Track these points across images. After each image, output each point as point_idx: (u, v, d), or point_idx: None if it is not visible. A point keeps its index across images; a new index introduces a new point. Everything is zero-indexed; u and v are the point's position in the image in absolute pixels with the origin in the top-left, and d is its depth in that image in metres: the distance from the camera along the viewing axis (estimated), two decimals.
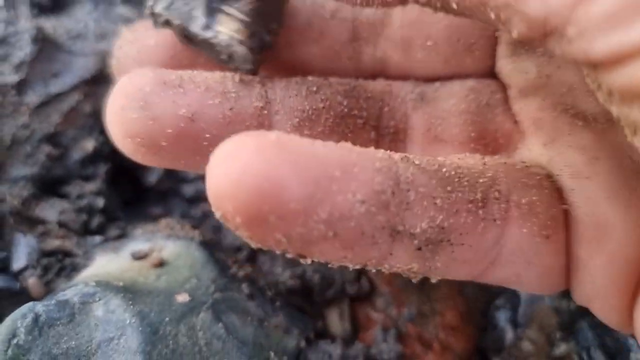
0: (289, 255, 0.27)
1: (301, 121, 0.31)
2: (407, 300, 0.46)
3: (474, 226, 0.28)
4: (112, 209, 0.48)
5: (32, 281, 0.43)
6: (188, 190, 0.52)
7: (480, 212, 0.28)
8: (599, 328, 0.50)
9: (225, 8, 0.32)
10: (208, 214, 0.51)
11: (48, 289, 0.44)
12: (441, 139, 0.34)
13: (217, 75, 0.32)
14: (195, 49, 0.35)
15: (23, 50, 0.46)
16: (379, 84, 0.36)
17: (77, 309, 0.36)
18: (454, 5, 0.24)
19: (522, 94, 0.34)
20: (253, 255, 0.46)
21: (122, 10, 0.53)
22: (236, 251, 0.46)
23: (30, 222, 0.46)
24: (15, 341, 0.34)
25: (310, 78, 0.35)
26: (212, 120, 0.28)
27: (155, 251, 0.42)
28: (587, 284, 0.30)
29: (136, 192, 0.53)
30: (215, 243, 0.46)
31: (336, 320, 0.45)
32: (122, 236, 0.46)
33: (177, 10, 0.33)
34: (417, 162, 0.28)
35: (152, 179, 0.51)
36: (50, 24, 0.49)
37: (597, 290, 0.30)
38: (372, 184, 0.25)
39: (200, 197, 0.51)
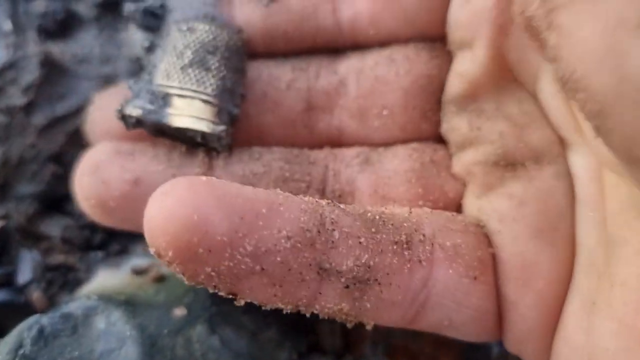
0: (221, 293, 0.28)
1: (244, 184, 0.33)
2: None
3: (400, 266, 0.29)
4: None
5: (36, 295, 0.46)
6: None
7: (406, 253, 0.29)
8: None
9: (188, 93, 0.35)
10: None
11: (51, 302, 0.46)
12: (389, 198, 0.35)
13: (166, 145, 0.36)
14: (170, 138, 0.37)
15: (31, 74, 0.49)
16: (323, 152, 0.38)
17: (80, 321, 0.38)
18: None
19: (458, 149, 0.35)
20: None
21: (125, 35, 0.55)
22: None
23: (35, 238, 0.49)
24: (21, 351, 0.36)
25: (254, 147, 0.37)
26: (155, 184, 0.28)
27: (155, 267, 0.45)
28: (518, 326, 0.31)
29: None
30: None
31: (327, 336, 0.47)
32: (122, 252, 0.49)
33: (146, 108, 0.35)
34: (342, 206, 0.30)
35: None
36: (57, 49, 0.51)
37: (529, 331, 0.31)
38: (297, 221, 0.27)
39: None
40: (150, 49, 0.41)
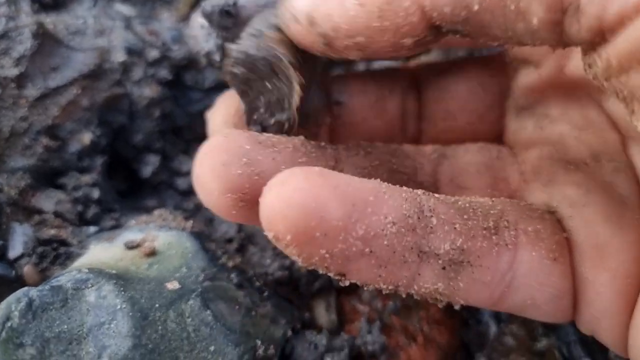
0: (330, 274, 0.29)
1: (363, 175, 0.34)
2: (392, 294, 0.46)
3: (490, 250, 0.31)
4: (108, 201, 0.49)
5: (27, 269, 0.44)
6: (182, 183, 0.52)
7: (494, 237, 0.32)
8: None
9: None
10: (200, 207, 0.52)
11: (43, 276, 0.44)
12: (463, 187, 0.39)
13: (297, 139, 0.35)
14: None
15: (23, 44, 0.47)
16: (411, 148, 0.42)
17: (70, 294, 0.36)
18: (476, 7, 0.26)
19: (524, 147, 0.39)
20: (243, 247, 0.47)
21: (121, 7, 0.53)
22: (227, 242, 0.47)
23: (27, 212, 0.47)
24: (9, 324, 0.34)
25: (362, 142, 0.40)
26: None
27: (148, 241, 0.43)
28: (594, 304, 0.33)
29: (131, 185, 0.53)
30: (206, 234, 0.46)
31: (322, 312, 0.46)
32: (116, 227, 0.47)
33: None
34: (437, 195, 0.32)
35: (147, 172, 0.51)
36: (51, 20, 0.49)
37: (604, 309, 0.32)
38: (400, 208, 0.29)
39: (193, 191, 0.51)
40: (221, 48, 0.42)
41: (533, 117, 0.38)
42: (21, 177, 0.47)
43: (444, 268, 0.30)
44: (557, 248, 0.33)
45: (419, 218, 0.30)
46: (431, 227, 0.30)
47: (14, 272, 0.45)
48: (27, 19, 0.49)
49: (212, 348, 0.36)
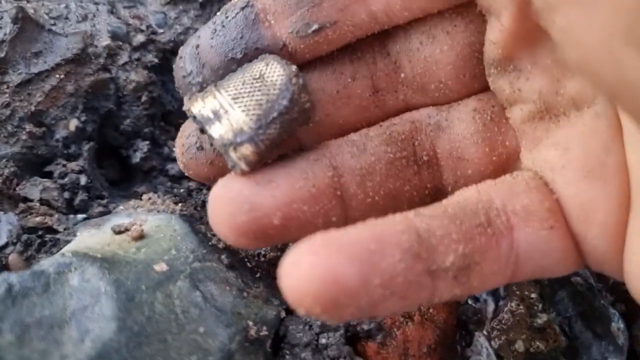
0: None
1: (362, 177, 0.35)
2: None
3: (489, 243, 0.32)
4: (96, 188, 0.46)
5: (12, 257, 0.41)
6: (172, 168, 0.50)
7: (489, 230, 0.32)
8: (579, 298, 0.48)
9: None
10: (192, 191, 0.49)
11: (28, 264, 0.42)
12: (463, 158, 0.38)
13: (289, 162, 0.36)
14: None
15: (2, 29, 0.44)
16: (405, 126, 0.39)
17: (52, 279, 0.34)
18: None
19: (506, 106, 0.37)
20: None
21: None
22: None
23: (12, 201, 0.44)
24: None
25: (353, 137, 0.37)
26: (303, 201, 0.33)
27: (136, 225, 0.40)
28: (592, 256, 0.33)
29: (121, 172, 0.51)
30: (197, 217, 0.44)
31: None
32: (104, 213, 0.45)
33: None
34: (426, 212, 0.32)
35: (136, 158, 0.49)
36: (31, 5, 0.47)
37: (602, 257, 0.33)
38: (401, 243, 0.30)
39: (184, 175, 0.49)
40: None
41: (506, 76, 0.36)
42: (5, 165, 0.44)
43: (455, 277, 0.31)
44: (550, 215, 0.33)
45: (419, 244, 0.30)
46: (432, 247, 0.31)
47: None
48: (6, 4, 0.46)
49: (201, 329, 0.34)
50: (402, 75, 0.38)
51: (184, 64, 0.36)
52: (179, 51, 0.37)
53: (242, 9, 0.36)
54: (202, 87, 0.35)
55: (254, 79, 0.34)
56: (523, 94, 0.35)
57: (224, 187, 0.33)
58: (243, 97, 0.33)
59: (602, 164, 0.32)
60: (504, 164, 0.38)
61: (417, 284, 0.30)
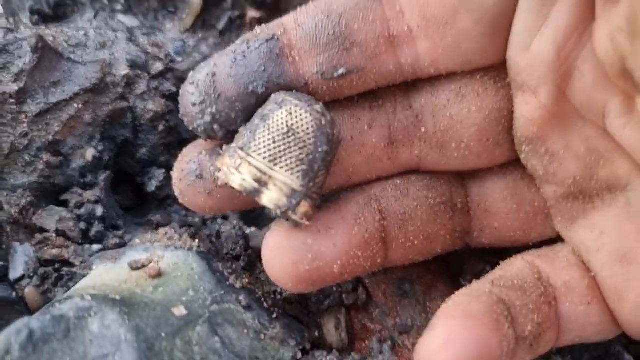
0: None
1: (404, 221, 0.37)
2: (403, 312, 0.43)
3: (550, 311, 0.34)
4: (112, 217, 0.46)
5: (28, 291, 0.41)
6: None
7: (550, 300, 0.34)
8: (594, 344, 0.48)
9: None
10: (207, 222, 0.49)
11: (45, 298, 0.41)
12: (491, 212, 0.38)
13: (342, 208, 0.36)
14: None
15: (23, 59, 0.43)
16: (443, 176, 0.39)
17: (72, 324, 0.33)
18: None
19: (540, 183, 0.37)
20: (251, 264, 0.44)
21: (123, 18, 0.50)
22: (234, 260, 0.44)
23: (29, 231, 0.44)
24: (8, 358, 0.31)
25: (397, 181, 0.38)
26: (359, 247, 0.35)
27: (153, 262, 0.40)
28: (628, 326, 0.35)
29: (136, 200, 0.50)
30: (213, 252, 0.43)
31: (332, 330, 0.43)
32: (120, 245, 0.44)
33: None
34: (500, 282, 0.34)
35: (152, 186, 0.48)
36: (51, 32, 0.46)
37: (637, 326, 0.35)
38: (498, 314, 0.32)
39: None
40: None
41: (539, 157, 0.35)
42: (22, 194, 0.44)
43: (531, 345, 0.33)
44: (588, 292, 0.35)
45: (505, 315, 0.32)
46: (512, 319, 0.32)
47: (14, 294, 0.42)
48: (26, 31, 0.45)
49: None
50: (423, 129, 0.37)
51: (195, 92, 0.34)
52: (189, 77, 0.34)
53: (267, 41, 0.34)
54: (212, 119, 0.34)
55: (283, 134, 0.32)
56: (557, 177, 0.35)
57: (284, 237, 0.34)
58: (281, 157, 0.32)
59: (635, 248, 0.33)
60: (531, 221, 0.38)
61: (508, 355, 0.31)
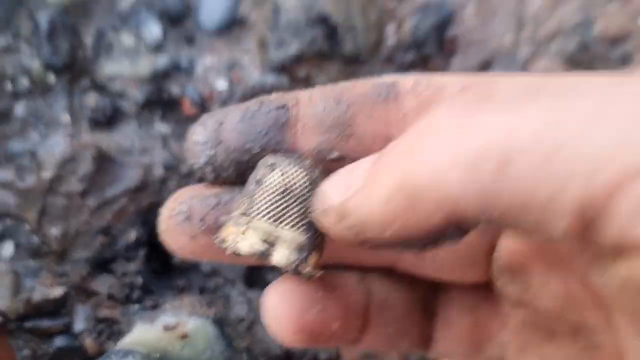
0: None
1: (383, 308, 0.37)
2: None
3: None
4: (148, 283, 0.60)
5: (88, 342, 0.56)
6: (205, 266, 0.64)
7: None
8: None
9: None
10: (219, 287, 0.63)
11: (100, 348, 0.56)
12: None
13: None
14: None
15: (86, 165, 0.58)
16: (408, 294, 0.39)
17: None
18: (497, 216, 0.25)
19: (508, 306, 0.37)
20: (252, 325, 0.59)
21: (160, 126, 0.64)
22: (239, 322, 0.58)
23: (87, 294, 0.58)
24: None
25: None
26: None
27: (180, 325, 0.55)
28: None
29: (165, 267, 0.65)
30: (224, 317, 0.58)
31: None
32: (155, 307, 0.59)
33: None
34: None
35: (177, 259, 0.63)
36: (104, 140, 0.60)
37: None
38: None
39: (214, 272, 0.63)
40: None
41: (515, 284, 0.36)
42: (82, 266, 0.58)
43: None
44: None
45: None
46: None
47: (77, 343, 0.56)
48: (86, 136, 0.60)
49: None
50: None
51: (203, 131, 0.35)
52: (202, 118, 0.36)
53: (277, 108, 0.36)
54: (208, 161, 0.35)
55: (281, 194, 0.33)
56: (529, 307, 0.35)
57: (293, 284, 0.34)
58: (284, 215, 0.33)
59: None
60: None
61: None
